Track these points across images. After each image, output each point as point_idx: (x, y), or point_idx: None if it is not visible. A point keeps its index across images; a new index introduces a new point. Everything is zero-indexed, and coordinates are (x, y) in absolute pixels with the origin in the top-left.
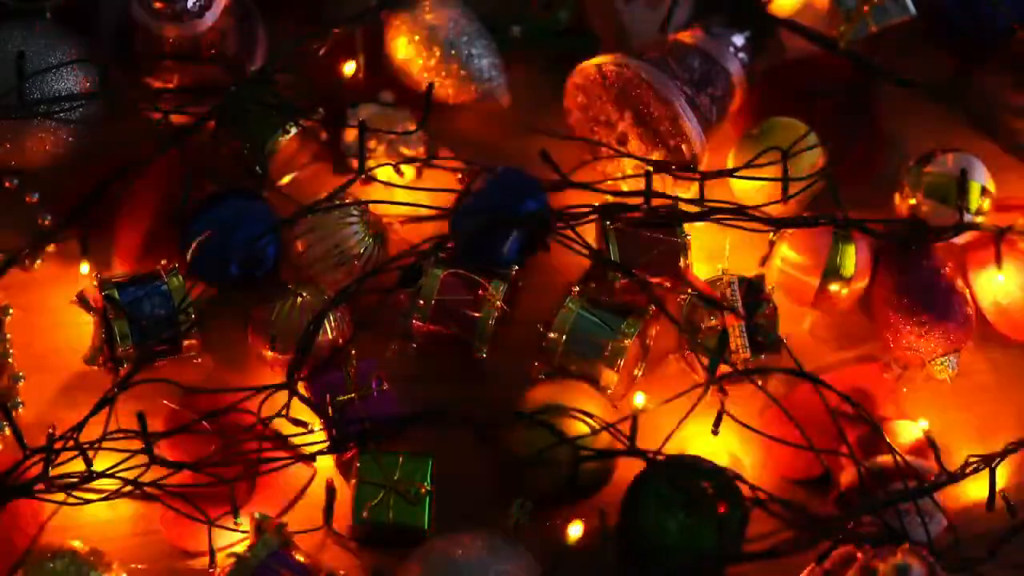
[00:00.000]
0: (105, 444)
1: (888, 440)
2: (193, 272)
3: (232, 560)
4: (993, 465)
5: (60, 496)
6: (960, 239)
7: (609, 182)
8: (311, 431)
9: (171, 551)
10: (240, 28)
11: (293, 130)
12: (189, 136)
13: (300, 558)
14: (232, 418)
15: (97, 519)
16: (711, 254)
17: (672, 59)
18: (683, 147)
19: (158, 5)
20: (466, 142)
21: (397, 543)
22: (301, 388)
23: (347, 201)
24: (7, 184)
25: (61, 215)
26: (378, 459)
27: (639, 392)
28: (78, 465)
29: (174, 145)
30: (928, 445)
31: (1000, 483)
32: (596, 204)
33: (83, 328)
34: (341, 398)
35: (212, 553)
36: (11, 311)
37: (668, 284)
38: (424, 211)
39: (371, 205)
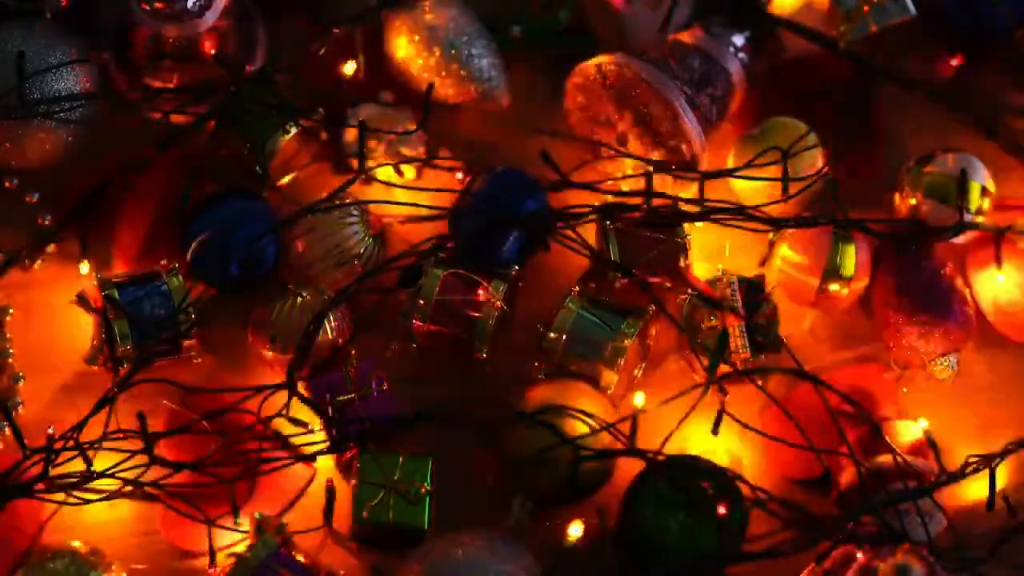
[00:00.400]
0: (105, 444)
1: (888, 440)
2: (193, 272)
3: (232, 560)
4: (993, 465)
5: (60, 496)
6: (960, 239)
7: (609, 182)
8: (311, 431)
9: (171, 551)
10: (240, 28)
11: (293, 130)
12: (189, 136)
13: (300, 558)
14: (232, 418)
15: (97, 519)
16: (711, 254)
17: (672, 59)
18: (683, 147)
19: (158, 5)
20: (466, 142)
21: (397, 543)
22: (301, 388)
23: (347, 201)
24: (7, 184)
25: (61, 215)
26: (378, 459)
27: (639, 392)
28: (78, 465)
29: (174, 145)
30: (928, 445)
31: (1000, 483)
32: (596, 204)
33: (83, 328)
34: (341, 398)
35: (212, 553)
36: (11, 311)
37: (668, 284)
38: (424, 211)
39: (371, 205)
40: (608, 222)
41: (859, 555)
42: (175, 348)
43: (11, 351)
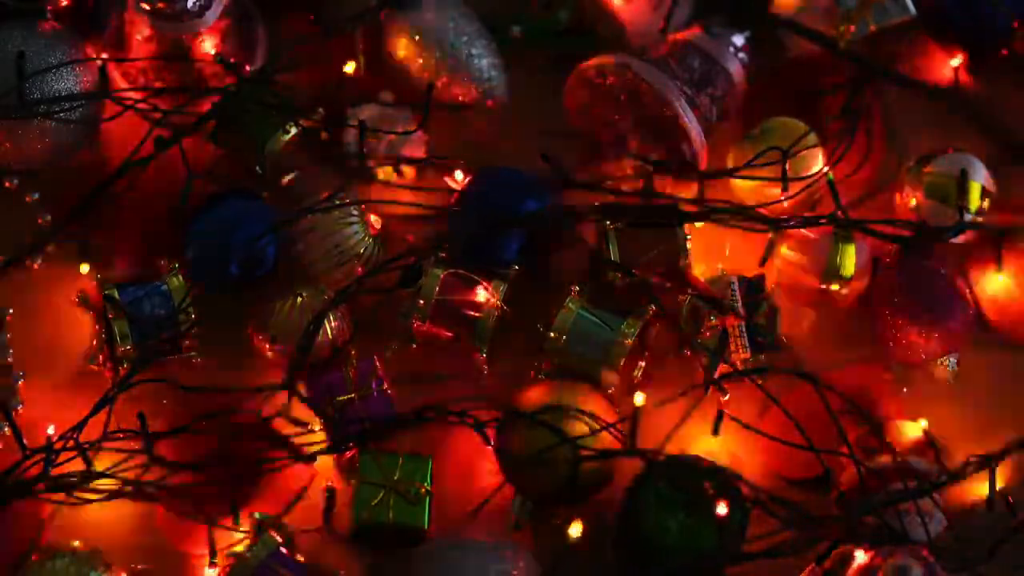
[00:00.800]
0: (105, 444)
1: (888, 440)
2: (193, 272)
3: (232, 560)
4: (993, 465)
5: (60, 496)
6: (960, 239)
7: (609, 182)
8: (311, 431)
9: (171, 551)
10: (240, 28)
11: (293, 130)
12: (189, 136)
13: (300, 558)
14: (232, 418)
15: (97, 519)
16: (711, 254)
17: (672, 59)
18: (683, 147)
19: (159, 5)
20: (466, 142)
21: (397, 543)
22: (301, 388)
23: (347, 201)
24: (7, 184)
25: (61, 215)
26: (378, 459)
27: (639, 392)
28: (78, 465)
29: (174, 145)
30: (928, 445)
31: (1000, 483)
32: (596, 204)
33: (83, 328)
34: (341, 398)
35: (212, 553)
36: (11, 311)
37: (668, 284)
38: (424, 211)
39: (371, 205)
40: (608, 222)
41: (859, 555)
42: (175, 348)
43: (11, 351)
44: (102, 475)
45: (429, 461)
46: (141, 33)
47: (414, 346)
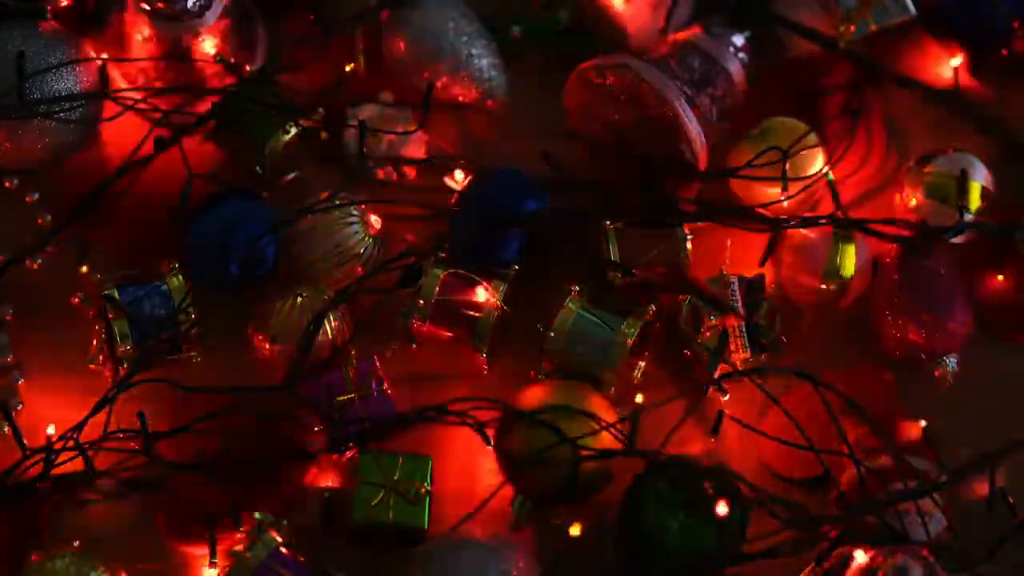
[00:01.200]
0: (105, 444)
1: (888, 440)
2: (193, 272)
3: (232, 560)
4: (993, 465)
5: (60, 496)
6: (960, 239)
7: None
8: (312, 430)
9: (171, 551)
10: (240, 28)
11: (293, 130)
12: (189, 136)
13: (300, 558)
14: (232, 418)
15: (97, 519)
16: (711, 254)
17: (672, 59)
18: (683, 147)
19: (158, 5)
20: (466, 142)
21: (397, 543)
22: (301, 388)
23: (347, 201)
24: (7, 184)
25: (61, 215)
26: (378, 459)
27: (639, 392)
28: (78, 465)
29: (174, 145)
30: (928, 445)
31: (1000, 483)
32: (596, 204)
33: (83, 328)
34: (341, 398)
35: (212, 553)
36: (11, 311)
37: (668, 284)
38: (424, 211)
39: (371, 205)
40: (608, 222)
41: (859, 555)
42: (175, 348)
43: (11, 351)
44: (102, 475)
45: (429, 461)
46: (141, 33)
47: (414, 346)
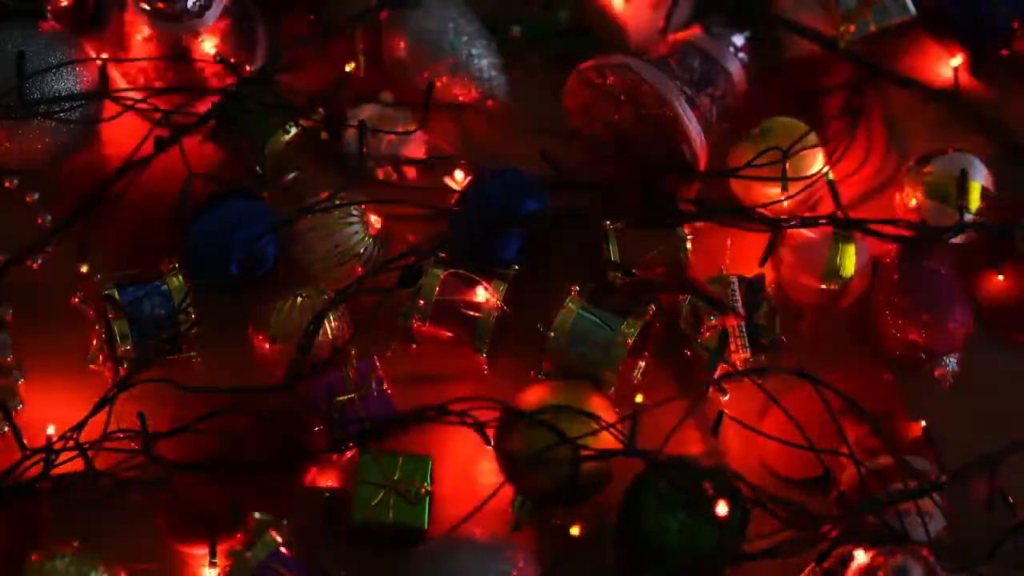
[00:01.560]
0: (105, 444)
1: (888, 440)
2: (193, 272)
3: (232, 560)
4: (993, 465)
5: (60, 496)
6: (960, 239)
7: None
8: (312, 430)
9: (171, 551)
10: (240, 28)
11: (293, 130)
12: (189, 136)
13: (300, 558)
14: (232, 418)
15: (97, 519)
16: (711, 254)
17: (672, 59)
18: (683, 147)
19: (158, 5)
20: (466, 142)
21: (397, 543)
22: (301, 388)
23: (347, 201)
24: (7, 184)
25: (61, 215)
26: (378, 459)
27: (639, 392)
28: (78, 465)
29: (174, 145)
30: (928, 445)
31: (1000, 483)
32: (596, 204)
33: (83, 328)
34: (341, 398)
35: (212, 553)
36: (11, 311)
37: (668, 284)
38: (424, 211)
39: (371, 205)
40: (608, 222)
41: (859, 555)
42: (175, 348)
43: (11, 351)
44: (102, 475)
45: (429, 461)
46: (141, 33)
47: (414, 346)
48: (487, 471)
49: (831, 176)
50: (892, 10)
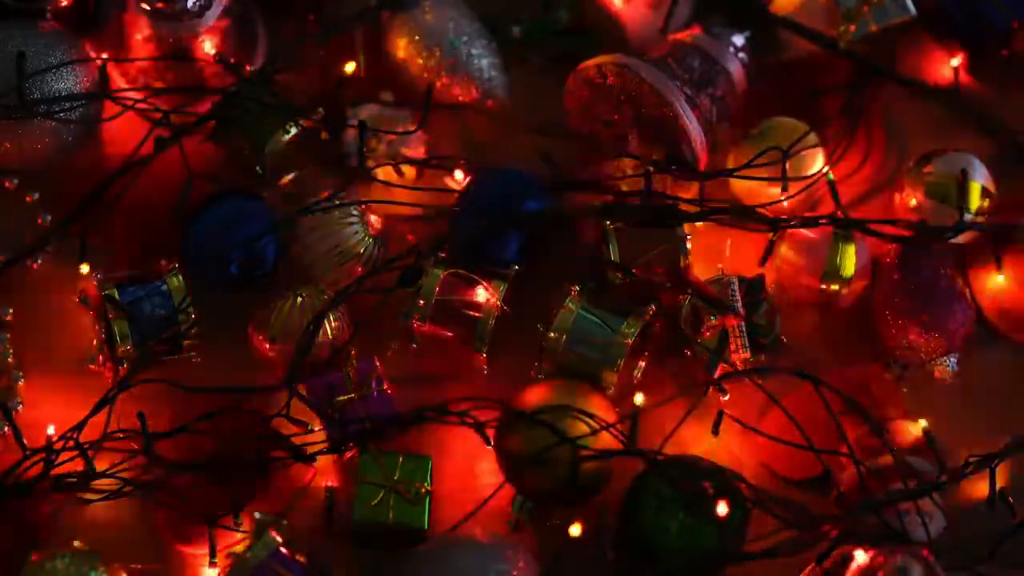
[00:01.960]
0: (105, 444)
1: (888, 440)
2: (193, 272)
3: (232, 560)
4: (993, 465)
5: (60, 496)
6: (960, 239)
7: (609, 182)
8: (311, 431)
9: (171, 551)
10: (240, 28)
11: (293, 130)
12: (189, 136)
13: (300, 558)
14: (232, 418)
15: (97, 519)
16: (711, 254)
17: (672, 59)
18: (683, 147)
19: (158, 5)
20: (466, 142)
21: (397, 543)
22: (301, 388)
23: (347, 201)
24: (7, 184)
25: (61, 215)
26: (378, 459)
27: (639, 392)
28: (78, 465)
29: (174, 145)
30: (928, 445)
31: (1000, 483)
32: (596, 204)
33: (83, 328)
34: (341, 398)
35: (212, 553)
36: (11, 311)
37: (668, 284)
38: (424, 211)
39: (371, 205)
40: (608, 222)
41: (859, 555)
42: (175, 348)
43: (11, 351)
44: (102, 475)
45: (429, 461)
46: (141, 33)
47: (414, 346)
48: (487, 471)
49: (831, 176)
50: (892, 10)
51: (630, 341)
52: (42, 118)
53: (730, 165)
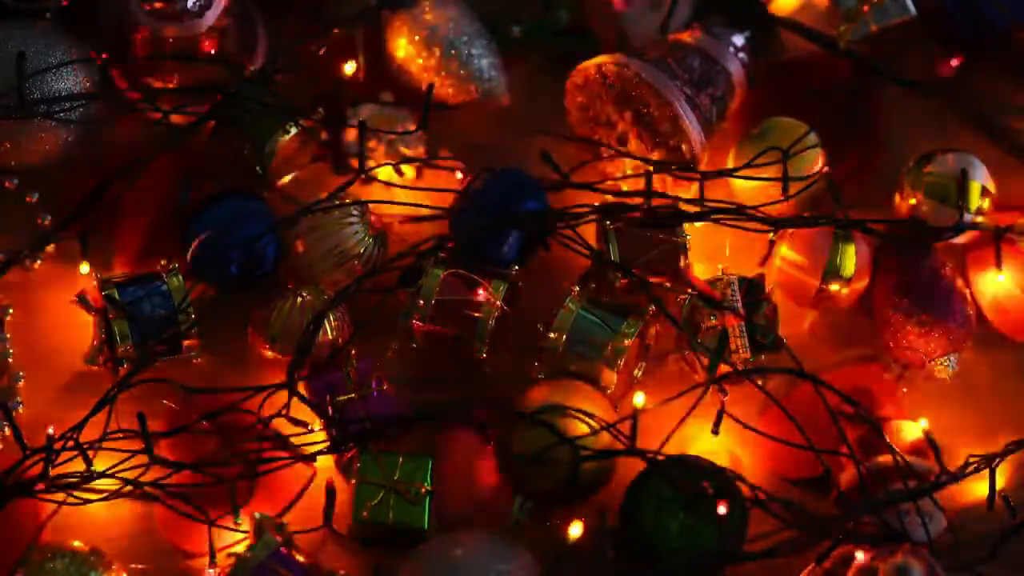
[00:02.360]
0: (105, 444)
1: (888, 440)
2: (193, 272)
3: (232, 560)
4: (993, 465)
5: (60, 496)
6: (960, 239)
7: (609, 182)
8: (311, 431)
9: (171, 551)
10: (240, 28)
11: (293, 130)
12: (189, 136)
13: (300, 558)
14: (232, 418)
15: (97, 519)
16: (711, 254)
17: (672, 59)
18: (683, 147)
19: (158, 5)
20: (466, 142)
21: (397, 543)
22: (301, 388)
23: (347, 201)
24: (7, 184)
25: (61, 215)
26: (378, 459)
27: (639, 392)
28: (78, 465)
29: (174, 145)
30: (928, 445)
31: (1000, 483)
32: (596, 204)
33: (83, 328)
34: (341, 398)
35: (212, 553)
36: (11, 311)
37: (668, 284)
38: (424, 211)
39: (371, 205)
40: (608, 222)
41: (859, 555)
42: (175, 348)
43: (11, 351)
44: (102, 475)
45: (429, 461)
46: (141, 33)
47: (414, 346)
48: (487, 471)
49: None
50: (892, 10)
51: (630, 341)
52: (42, 118)
53: (730, 165)
